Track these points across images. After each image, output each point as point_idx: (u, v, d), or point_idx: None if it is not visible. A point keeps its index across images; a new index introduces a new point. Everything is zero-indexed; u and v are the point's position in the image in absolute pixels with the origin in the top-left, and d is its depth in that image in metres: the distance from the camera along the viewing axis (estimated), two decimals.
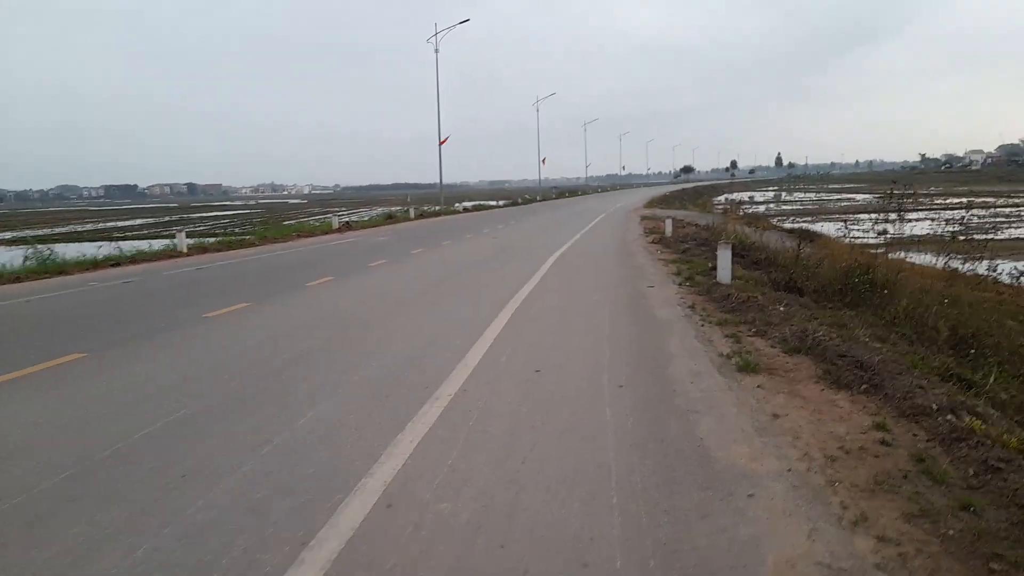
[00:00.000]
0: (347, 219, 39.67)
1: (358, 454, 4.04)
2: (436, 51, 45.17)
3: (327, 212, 64.64)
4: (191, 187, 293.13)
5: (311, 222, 42.12)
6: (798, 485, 3.46)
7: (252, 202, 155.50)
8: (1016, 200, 54.47)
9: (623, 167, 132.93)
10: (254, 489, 3.59)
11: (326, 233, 29.55)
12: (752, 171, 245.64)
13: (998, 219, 38.54)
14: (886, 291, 9.60)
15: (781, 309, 8.05)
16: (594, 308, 8.66)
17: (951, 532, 2.91)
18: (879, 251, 27.73)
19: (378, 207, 68.37)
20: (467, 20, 46.37)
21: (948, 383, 5.01)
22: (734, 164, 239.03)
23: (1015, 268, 13.16)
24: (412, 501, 3.41)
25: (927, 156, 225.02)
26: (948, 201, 51.58)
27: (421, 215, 43.31)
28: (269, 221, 53.98)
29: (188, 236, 22.98)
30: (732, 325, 7.40)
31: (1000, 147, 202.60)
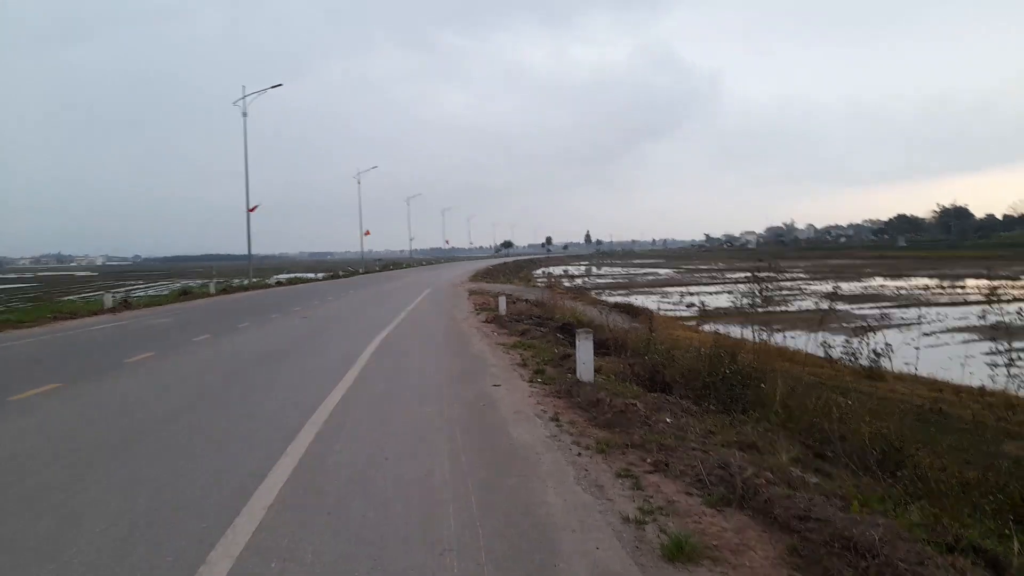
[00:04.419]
0: (127, 296, 33.62)
1: None
2: (244, 115, 41.52)
3: (119, 286, 55.95)
4: None
5: (77, 300, 35.26)
6: None
7: (30, 275, 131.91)
8: (791, 275, 61.58)
9: (447, 241, 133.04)
10: None
11: (96, 313, 24.13)
12: (565, 247, 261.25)
13: (783, 292, 42.47)
14: (762, 384, 8.36)
15: (668, 421, 6.27)
16: (427, 432, 6.25)
17: None
18: (692, 323, 28.62)
19: (183, 280, 60.52)
20: (279, 85, 43.23)
21: (966, 558, 3.36)
22: (549, 240, 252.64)
23: (865, 345, 12.99)
24: None
25: (710, 236, 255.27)
26: (737, 275, 56.57)
27: (224, 290, 38.24)
28: (42, 298, 44.93)
29: None
30: (618, 452, 5.41)
31: (768, 229, 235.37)
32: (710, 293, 44.30)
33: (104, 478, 5.05)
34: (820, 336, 18.94)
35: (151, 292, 45.34)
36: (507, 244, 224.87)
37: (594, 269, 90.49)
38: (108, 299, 27.32)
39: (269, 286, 44.81)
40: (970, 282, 47.13)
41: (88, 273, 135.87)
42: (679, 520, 3.99)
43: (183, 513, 4.27)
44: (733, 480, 4.45)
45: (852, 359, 12.89)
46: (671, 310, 33.51)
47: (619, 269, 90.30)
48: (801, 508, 3.90)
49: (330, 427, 6.39)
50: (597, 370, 8.74)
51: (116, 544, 3.81)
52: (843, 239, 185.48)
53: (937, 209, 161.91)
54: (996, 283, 39.84)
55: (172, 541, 3.84)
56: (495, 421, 6.59)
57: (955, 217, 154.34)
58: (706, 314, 30.75)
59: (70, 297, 41.63)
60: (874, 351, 12.19)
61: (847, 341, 15.12)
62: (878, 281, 53.52)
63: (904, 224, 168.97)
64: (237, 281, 44.97)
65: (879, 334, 14.87)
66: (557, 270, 77.19)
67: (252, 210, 42.30)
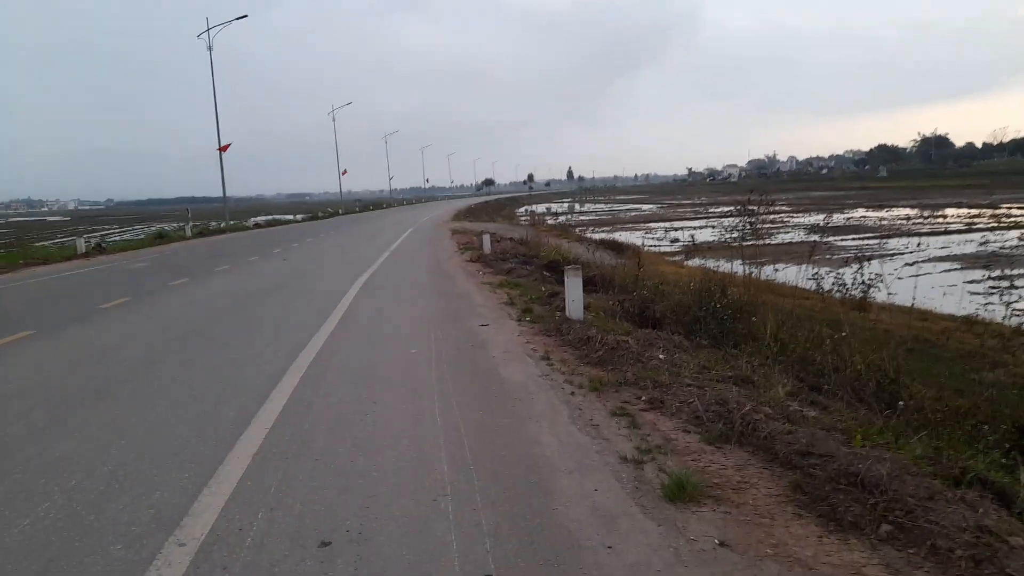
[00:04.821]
0: (101, 240, 32.77)
1: None
2: (210, 48, 39.59)
3: (93, 230, 54.63)
4: None
5: (51, 246, 34.38)
6: None
7: (0, 221, 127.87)
8: (774, 208, 61.38)
9: (427, 180, 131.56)
10: None
11: (69, 259, 23.49)
12: (548, 184, 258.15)
13: (767, 225, 42.30)
14: (753, 318, 8.27)
15: (661, 357, 6.15)
16: (415, 374, 6.08)
17: None
18: (678, 258, 28.58)
19: (158, 223, 59.08)
20: (244, 16, 41.15)
21: (971, 490, 3.29)
22: (531, 177, 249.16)
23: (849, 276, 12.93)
24: None
25: (693, 170, 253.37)
26: (721, 210, 56.26)
27: (201, 233, 37.47)
28: (16, 243, 43.66)
29: None
30: (612, 389, 5.29)
31: (750, 162, 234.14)
32: (694, 228, 44.08)
33: (79, 429, 4.84)
34: (807, 268, 18.92)
35: (126, 236, 44.28)
36: (488, 182, 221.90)
37: (577, 206, 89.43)
38: (81, 244, 26.61)
39: (247, 228, 43.95)
40: (950, 211, 47.38)
41: (60, 218, 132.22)
42: (678, 459, 3.89)
43: (164, 463, 4.10)
44: (731, 416, 4.34)
45: (842, 290, 12.82)
46: (656, 246, 33.35)
47: (602, 206, 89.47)
48: (803, 443, 3.80)
49: (315, 371, 6.20)
50: (586, 307, 8.58)
51: (94, 497, 3.64)
52: (824, 171, 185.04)
53: (918, 138, 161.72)
54: (978, 211, 39.90)
55: (153, 493, 3.68)
56: (485, 361, 6.44)
57: (935, 146, 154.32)
58: (692, 249, 30.66)
59: (43, 243, 40.55)
60: (864, 282, 12.10)
61: (835, 273, 15.12)
62: (860, 212, 53.47)
63: (885, 154, 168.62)
64: (214, 224, 44.03)
65: (864, 264, 14.85)
66: (540, 208, 76.28)
67: (224, 149, 41.00)
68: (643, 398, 5.03)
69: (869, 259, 17.59)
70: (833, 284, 12.95)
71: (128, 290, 13.03)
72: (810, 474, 3.49)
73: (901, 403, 5.38)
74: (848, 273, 14.27)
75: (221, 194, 43.75)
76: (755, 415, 4.31)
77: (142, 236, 39.77)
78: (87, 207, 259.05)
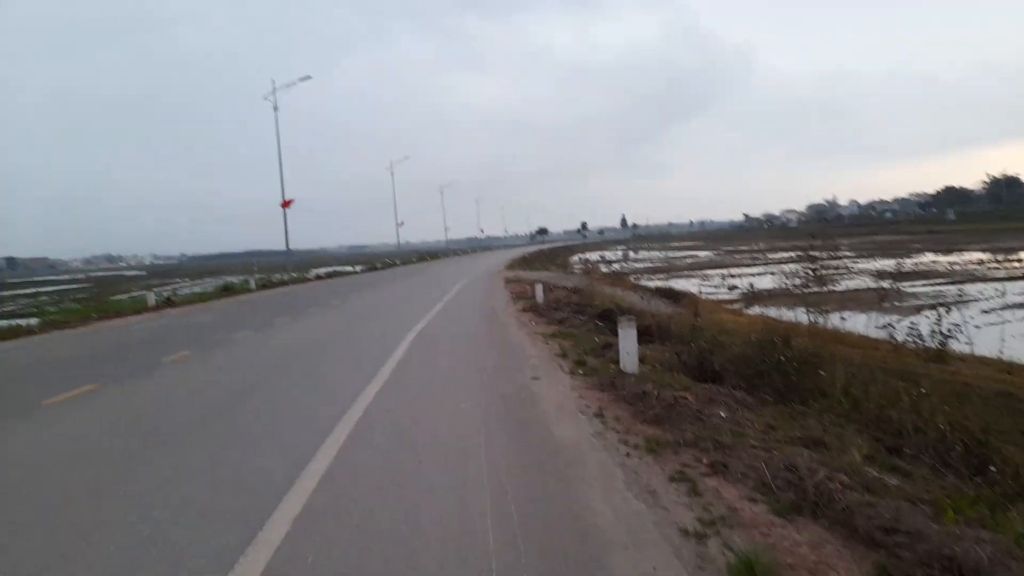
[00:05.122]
0: (172, 293, 34.23)
1: None
2: (275, 108, 41.72)
3: (165, 284, 57.51)
4: (10, 261, 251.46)
5: (126, 299, 36.10)
6: None
7: (82, 276, 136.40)
8: (837, 254, 59.23)
9: (482, 230, 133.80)
10: None
11: (139, 312, 24.53)
12: (601, 231, 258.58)
13: (829, 271, 40.74)
14: (821, 371, 7.78)
15: (723, 415, 5.80)
16: (463, 431, 5.89)
17: None
18: (737, 306, 27.70)
19: (226, 276, 61.68)
20: (308, 77, 43.33)
21: None
22: (584, 225, 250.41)
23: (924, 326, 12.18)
24: None
25: (750, 216, 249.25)
26: (780, 256, 54.66)
27: (265, 285, 38.73)
28: (96, 297, 46.14)
29: None
30: (670, 451, 4.98)
31: (809, 206, 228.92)
32: (753, 274, 42.96)
33: (125, 489, 4.82)
34: (874, 316, 17.98)
35: (196, 289, 46.21)
36: (542, 231, 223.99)
37: (631, 253, 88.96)
38: (151, 297, 27.79)
39: (308, 280, 45.24)
40: None
41: (137, 272, 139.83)
42: (745, 532, 3.55)
43: (205, 526, 4.01)
44: (803, 484, 3.98)
45: (917, 340, 12.02)
46: (713, 293, 32.61)
47: (657, 253, 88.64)
48: (886, 518, 3.42)
49: (361, 429, 6.08)
50: (641, 359, 8.29)
51: (130, 566, 3.56)
52: (888, 214, 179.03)
53: (987, 179, 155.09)
54: None
55: (191, 559, 3.58)
56: (536, 417, 6.21)
57: (1006, 187, 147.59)
58: (752, 296, 29.73)
59: (119, 296, 42.68)
60: (942, 331, 11.34)
61: (907, 321, 14.32)
62: (929, 257, 51.20)
63: (952, 196, 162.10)
64: (277, 276, 45.53)
65: (939, 311, 13.99)
66: (594, 255, 76.16)
67: (286, 205, 42.62)
68: (704, 461, 4.70)
69: (945, 306, 16.57)
70: (907, 334, 12.20)
71: (192, 342, 13.39)
72: (897, 555, 3.11)
73: (993, 468, 4.88)
74: (923, 321, 13.47)
75: (285, 247, 45.35)
76: (830, 483, 3.94)
77: (210, 289, 41.41)
78: (161, 261, 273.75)
